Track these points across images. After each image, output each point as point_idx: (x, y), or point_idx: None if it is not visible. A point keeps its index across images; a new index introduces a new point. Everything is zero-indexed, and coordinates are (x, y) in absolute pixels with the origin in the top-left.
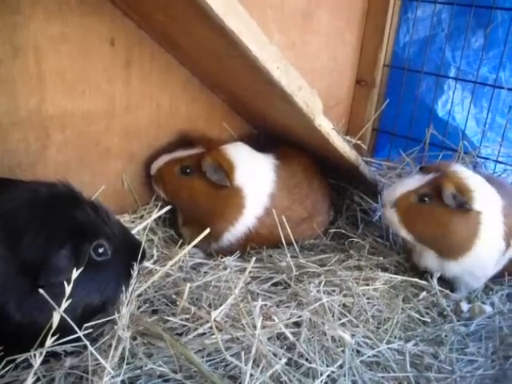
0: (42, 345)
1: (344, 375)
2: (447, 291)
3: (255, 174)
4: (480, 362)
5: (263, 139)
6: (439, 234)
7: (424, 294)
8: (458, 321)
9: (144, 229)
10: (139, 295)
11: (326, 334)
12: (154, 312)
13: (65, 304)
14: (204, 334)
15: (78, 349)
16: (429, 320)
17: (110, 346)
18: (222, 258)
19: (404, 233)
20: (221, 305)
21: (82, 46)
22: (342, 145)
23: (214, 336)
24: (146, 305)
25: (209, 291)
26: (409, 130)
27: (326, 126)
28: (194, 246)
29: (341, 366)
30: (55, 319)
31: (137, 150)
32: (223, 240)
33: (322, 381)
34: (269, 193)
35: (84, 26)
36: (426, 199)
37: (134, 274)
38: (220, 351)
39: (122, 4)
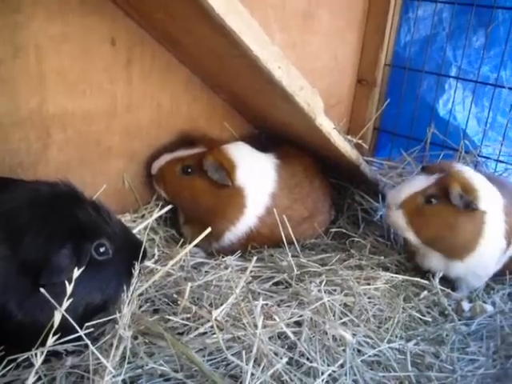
0: (43, 344)
1: (345, 374)
2: (448, 290)
3: (256, 174)
4: (481, 362)
5: (264, 139)
6: (447, 234)
7: (425, 293)
8: (460, 320)
9: (145, 228)
10: (140, 294)
11: (327, 334)
12: (155, 311)
13: (66, 303)
14: (205, 333)
15: (79, 348)
16: (430, 319)
17: (111, 345)
18: (223, 257)
19: (410, 234)
20: (222, 304)
21: (82, 45)
22: (343, 144)
23: (215, 335)
24: (147, 304)
25: (210, 290)
26: (410, 130)
27: (327, 126)
28: (195, 246)
29: (342, 366)
30: (56, 318)
31: (138, 149)
32: (224, 239)
33: (322, 380)
34: (270, 192)
35: (85, 26)
36: (433, 200)
37: (135, 273)
38: (221, 350)
39: (122, 3)
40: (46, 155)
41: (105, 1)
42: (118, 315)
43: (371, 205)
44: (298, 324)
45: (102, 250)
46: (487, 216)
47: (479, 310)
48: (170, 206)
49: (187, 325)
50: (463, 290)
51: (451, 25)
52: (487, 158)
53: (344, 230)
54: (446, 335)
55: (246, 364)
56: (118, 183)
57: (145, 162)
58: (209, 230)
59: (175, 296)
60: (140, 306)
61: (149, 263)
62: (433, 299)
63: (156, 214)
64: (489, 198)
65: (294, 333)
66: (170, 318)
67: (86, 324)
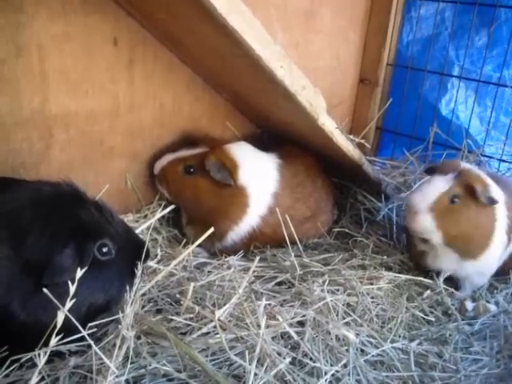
0: (46, 344)
1: (348, 374)
2: (452, 290)
3: (259, 173)
4: (485, 361)
5: (266, 138)
6: (471, 232)
7: (428, 292)
8: (463, 320)
9: (148, 228)
10: (143, 294)
11: (330, 333)
12: (158, 311)
13: (69, 303)
14: (208, 333)
15: (83, 348)
16: (433, 319)
17: (114, 345)
18: (225, 257)
19: (437, 236)
20: (225, 304)
21: (85, 45)
22: (346, 144)
23: (218, 335)
24: (150, 304)
25: (213, 290)
26: (412, 129)
27: (330, 125)
28: (198, 246)
29: (345, 366)
30: (59, 319)
31: (140, 149)
32: (227, 239)
33: (326, 380)
34: (272, 192)
35: (87, 26)
36: (456, 200)
37: (138, 273)
38: (224, 350)
39: (124, 3)
40: (49, 155)
41: (107, 0)
42: (120, 315)
43: (374, 204)
44: (301, 324)
45: (104, 250)
46: (497, 212)
47: (482, 309)
48: (172, 206)
49: (190, 325)
50: (466, 289)
51: (454, 24)
52: (490, 157)
53: (347, 230)
54: (450, 335)
55: (249, 364)
56: (121, 183)
57: (147, 161)
58: (211, 229)
59: (178, 296)
60: (143, 306)
61: (152, 263)
62: (436, 299)
63: (159, 214)
64: (496, 193)
65: (297, 333)
66: (173, 318)
67: (89, 324)
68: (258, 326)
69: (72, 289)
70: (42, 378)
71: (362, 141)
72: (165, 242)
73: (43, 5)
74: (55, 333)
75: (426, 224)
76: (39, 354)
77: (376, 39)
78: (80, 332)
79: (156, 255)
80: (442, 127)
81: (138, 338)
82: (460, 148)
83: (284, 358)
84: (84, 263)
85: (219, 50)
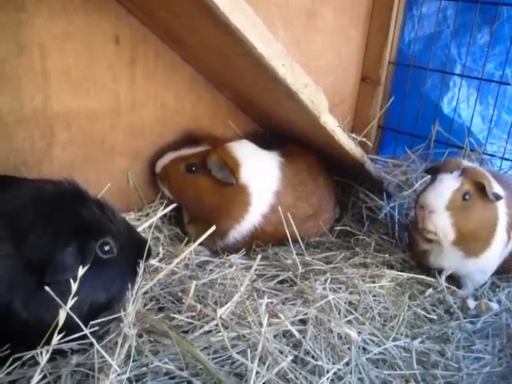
0: (48, 342)
1: (350, 372)
2: (454, 288)
3: (260, 172)
4: (487, 360)
5: (268, 137)
6: (479, 231)
7: (430, 290)
8: (465, 318)
9: (150, 227)
10: (145, 293)
11: (332, 332)
12: (160, 310)
13: (71, 302)
14: (210, 331)
15: (84, 346)
16: (435, 317)
17: (116, 343)
18: (227, 255)
19: (451, 235)
20: (227, 302)
21: (86, 43)
22: (348, 142)
23: (219, 333)
24: (152, 302)
25: (215, 289)
26: (414, 127)
27: (332, 124)
28: (200, 244)
29: (347, 364)
30: (61, 317)
31: (142, 147)
32: (229, 238)
33: (328, 378)
34: (274, 190)
35: (88, 24)
36: (468, 197)
37: (140, 271)
38: (226, 349)
39: (125, 1)
40: (51, 154)
41: None
42: (122, 313)
43: (376, 203)
44: (303, 322)
45: (106, 248)
46: (498, 210)
47: (485, 307)
48: (174, 205)
49: (192, 323)
50: (468, 287)
51: (455, 22)
52: (492, 155)
53: (349, 228)
54: (452, 333)
55: (251, 362)
56: (123, 182)
57: (149, 160)
58: (213, 228)
59: (180, 294)
60: (145, 305)
61: (153, 261)
62: (438, 297)
63: (160, 213)
64: (498, 190)
65: (299, 331)
66: (175, 316)
67: (91, 322)
68: (260, 324)
69: (74, 287)
70: (44, 376)
71: (364, 139)
72: (167, 241)
73: (44, 3)
74: (57, 331)
75: (443, 223)
76: (41, 353)
77: (378, 37)
78: (82, 330)
79: (158, 253)
80: (443, 125)
81: (140, 336)
82: (462, 146)
83: (286, 356)
84: (86, 261)
85: (222, 49)
